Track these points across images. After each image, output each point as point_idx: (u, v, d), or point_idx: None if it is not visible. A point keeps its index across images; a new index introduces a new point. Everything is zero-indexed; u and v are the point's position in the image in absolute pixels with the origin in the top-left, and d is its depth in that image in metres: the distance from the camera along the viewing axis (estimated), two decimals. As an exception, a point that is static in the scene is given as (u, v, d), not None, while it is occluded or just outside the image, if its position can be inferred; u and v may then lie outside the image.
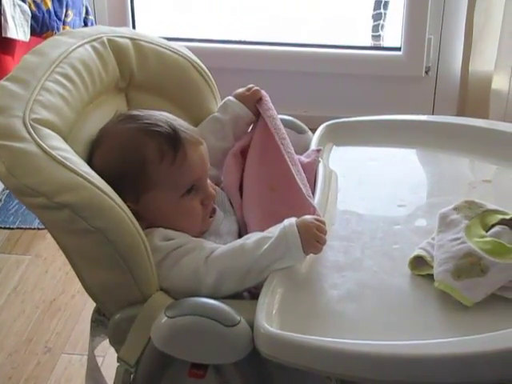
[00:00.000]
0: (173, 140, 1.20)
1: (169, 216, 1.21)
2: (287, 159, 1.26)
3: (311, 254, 1.15)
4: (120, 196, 1.14)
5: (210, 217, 1.25)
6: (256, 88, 1.38)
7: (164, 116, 1.24)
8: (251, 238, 1.15)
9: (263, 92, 1.38)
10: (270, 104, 1.37)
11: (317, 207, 1.20)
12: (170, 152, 1.19)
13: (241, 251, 1.14)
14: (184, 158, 1.20)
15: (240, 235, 1.26)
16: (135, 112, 1.26)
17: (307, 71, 2.69)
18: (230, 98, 1.39)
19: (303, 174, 1.26)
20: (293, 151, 1.30)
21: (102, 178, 1.14)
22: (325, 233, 1.14)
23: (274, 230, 1.14)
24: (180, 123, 1.24)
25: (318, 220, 1.15)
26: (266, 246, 1.12)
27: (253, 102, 1.37)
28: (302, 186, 1.22)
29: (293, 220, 1.14)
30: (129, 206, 1.15)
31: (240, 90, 1.40)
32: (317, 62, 2.68)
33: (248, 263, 1.12)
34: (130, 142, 1.20)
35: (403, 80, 2.66)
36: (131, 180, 1.19)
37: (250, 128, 1.39)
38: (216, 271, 1.13)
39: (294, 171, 1.24)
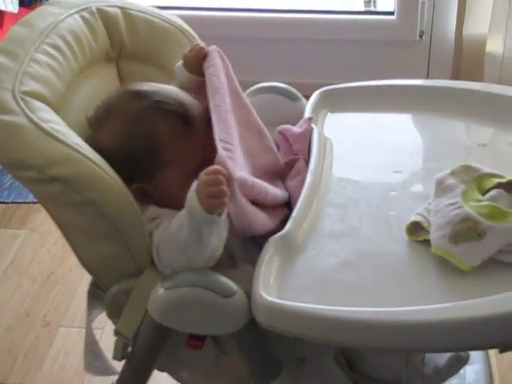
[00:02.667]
0: (184, 118, 1.18)
1: (179, 193, 1.19)
2: (214, 117, 1.17)
3: (307, 223, 1.14)
4: (131, 176, 1.13)
5: None
6: (199, 46, 1.28)
7: (171, 92, 1.22)
8: (176, 217, 1.11)
9: (211, 48, 1.28)
10: (216, 60, 1.26)
11: (222, 145, 1.12)
12: (182, 130, 1.17)
13: (170, 240, 1.10)
14: (195, 135, 1.18)
15: None
16: (141, 87, 1.22)
17: (300, 38, 2.67)
18: (179, 63, 1.30)
19: (230, 122, 1.19)
20: (226, 102, 1.20)
21: (112, 157, 1.13)
22: (219, 183, 1.05)
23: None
24: (187, 98, 1.22)
25: (207, 173, 1.06)
26: (184, 227, 1.07)
27: (196, 60, 1.27)
28: (216, 134, 1.14)
29: (194, 184, 1.07)
30: (140, 187, 1.14)
31: (185, 51, 1.30)
32: (310, 28, 2.66)
33: (181, 251, 1.09)
34: (140, 121, 1.18)
35: (397, 44, 2.64)
36: (144, 159, 1.17)
37: None
38: (166, 267, 1.11)
39: (215, 126, 1.15)
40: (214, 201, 1.05)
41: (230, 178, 1.07)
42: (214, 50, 1.27)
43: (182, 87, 1.28)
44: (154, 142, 1.17)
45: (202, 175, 1.06)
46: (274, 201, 1.19)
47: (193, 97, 1.24)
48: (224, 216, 1.07)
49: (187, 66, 1.29)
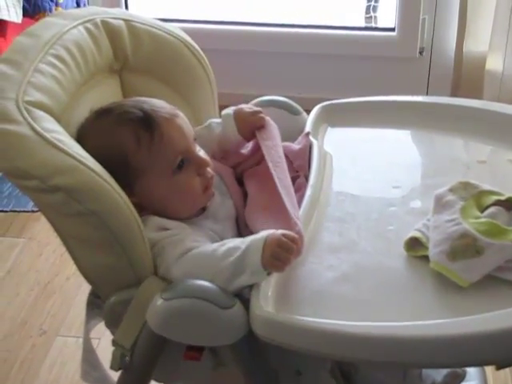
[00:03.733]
0: (145, 122, 1.18)
1: (167, 198, 1.20)
2: (279, 188, 1.19)
3: (306, 237, 1.13)
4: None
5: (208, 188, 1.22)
6: (261, 116, 1.31)
7: (134, 102, 1.23)
8: (226, 244, 1.11)
9: (268, 120, 1.31)
10: (274, 132, 1.30)
11: (299, 223, 1.12)
12: (145, 134, 1.18)
13: (209, 258, 1.10)
14: (161, 136, 1.18)
15: (237, 220, 1.25)
16: (107, 106, 1.24)
17: (301, 52, 2.68)
18: (230, 112, 1.32)
19: (293, 194, 1.20)
20: (287, 176, 1.23)
21: None
22: (290, 251, 1.06)
23: (247, 240, 1.10)
24: (152, 103, 1.22)
25: (285, 236, 1.07)
26: (232, 258, 1.08)
27: (252, 127, 1.30)
28: (289, 208, 1.15)
29: (265, 233, 1.08)
30: (132, 201, 1.13)
31: (245, 110, 1.32)
32: (311, 43, 2.67)
33: (212, 272, 1.08)
34: (105, 138, 1.19)
35: (397, 61, 2.66)
36: (119, 174, 1.15)
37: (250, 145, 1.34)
38: (183, 272, 1.11)
39: (284, 198, 1.17)
40: (276, 262, 1.06)
41: (299, 253, 1.09)
42: (272, 123, 1.31)
43: (223, 139, 1.32)
44: (121, 153, 1.18)
45: (280, 234, 1.07)
46: None
47: (231, 152, 1.32)
48: (270, 276, 1.08)
49: (241, 128, 1.31)
